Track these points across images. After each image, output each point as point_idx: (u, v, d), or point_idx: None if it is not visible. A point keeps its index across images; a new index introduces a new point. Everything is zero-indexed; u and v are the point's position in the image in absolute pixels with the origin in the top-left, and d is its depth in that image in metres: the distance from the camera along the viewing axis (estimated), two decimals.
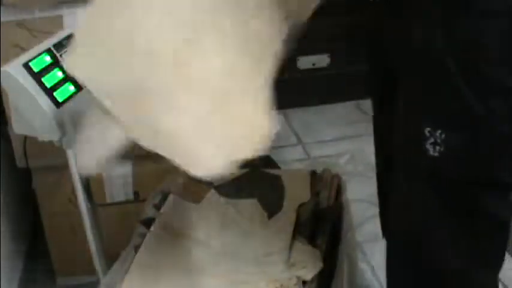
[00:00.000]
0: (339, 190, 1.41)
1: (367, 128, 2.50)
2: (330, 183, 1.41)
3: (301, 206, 1.31)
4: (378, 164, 1.36)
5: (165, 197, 1.36)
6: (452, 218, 1.01)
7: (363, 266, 1.77)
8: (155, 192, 1.39)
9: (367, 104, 2.61)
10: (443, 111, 0.94)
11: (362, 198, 1.92)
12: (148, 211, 1.34)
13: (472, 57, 0.90)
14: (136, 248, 1.23)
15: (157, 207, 1.34)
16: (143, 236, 1.26)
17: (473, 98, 0.91)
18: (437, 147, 0.94)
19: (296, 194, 1.35)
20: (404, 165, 1.03)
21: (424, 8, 0.93)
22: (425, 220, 1.03)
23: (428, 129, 0.94)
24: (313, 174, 1.44)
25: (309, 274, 1.12)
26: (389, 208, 1.14)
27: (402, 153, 1.02)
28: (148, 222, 1.30)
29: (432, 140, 0.94)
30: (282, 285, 1.10)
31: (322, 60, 2.58)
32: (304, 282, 1.11)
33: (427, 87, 0.95)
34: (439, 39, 0.91)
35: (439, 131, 0.93)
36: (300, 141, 2.42)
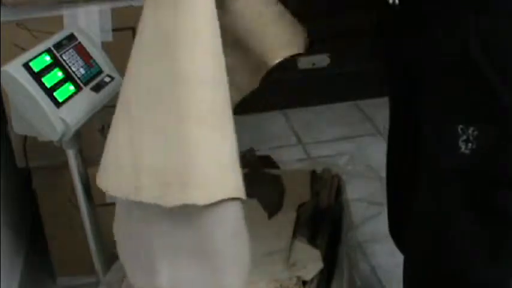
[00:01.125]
0: (339, 190, 1.41)
1: (367, 128, 2.51)
2: (330, 183, 1.41)
3: (301, 206, 1.31)
4: (389, 164, 1.35)
5: None
6: (475, 217, 1.02)
7: (363, 266, 1.77)
8: None
9: (367, 104, 2.62)
10: (476, 109, 0.95)
11: (362, 198, 1.92)
12: None
13: (504, 54, 0.91)
14: None
15: None
16: None
17: (505, 94, 0.92)
18: (469, 145, 0.95)
19: (296, 194, 1.35)
20: (431, 163, 1.03)
21: (452, 10, 0.93)
22: (448, 218, 1.04)
23: (461, 126, 0.95)
24: (313, 174, 1.44)
25: (309, 274, 1.12)
26: (403, 208, 1.14)
27: (430, 151, 1.02)
28: None
29: (465, 137, 0.95)
30: (281, 285, 1.10)
31: (322, 60, 2.58)
32: (304, 282, 1.11)
33: (459, 86, 0.95)
34: (472, 39, 0.91)
35: (472, 128, 0.94)
36: (300, 141, 2.42)
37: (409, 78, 1.05)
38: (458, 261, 1.06)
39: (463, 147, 0.95)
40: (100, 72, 1.26)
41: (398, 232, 1.36)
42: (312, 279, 1.12)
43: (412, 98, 1.04)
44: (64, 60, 1.21)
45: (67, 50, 1.22)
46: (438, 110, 0.99)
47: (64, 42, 1.23)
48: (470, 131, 0.94)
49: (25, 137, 1.48)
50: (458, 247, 1.05)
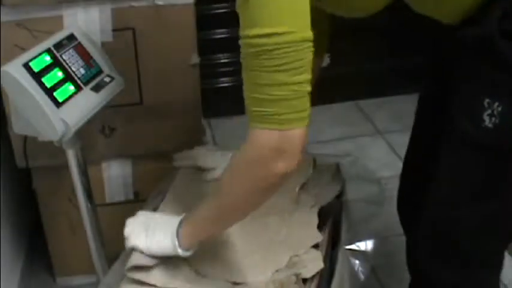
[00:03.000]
0: (339, 190, 1.41)
1: (367, 128, 2.51)
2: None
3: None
4: (413, 138, 1.38)
5: None
6: (487, 192, 1.05)
7: (362, 266, 1.77)
8: (152, 197, 1.37)
9: (367, 104, 2.62)
10: (504, 87, 0.98)
11: (362, 198, 1.92)
12: None
13: None
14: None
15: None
16: None
17: None
18: (493, 119, 0.98)
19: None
20: (455, 135, 1.06)
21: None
22: (460, 192, 1.08)
23: (487, 100, 0.98)
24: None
25: (309, 273, 1.12)
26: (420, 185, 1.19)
27: (455, 122, 1.05)
28: None
29: (489, 111, 0.98)
30: (281, 285, 1.10)
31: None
32: (304, 282, 1.11)
33: (490, 67, 0.99)
34: (497, 30, 0.95)
35: (497, 103, 0.97)
36: None
37: (445, 60, 1.11)
38: (466, 235, 1.10)
39: (487, 120, 0.98)
40: (100, 72, 1.27)
41: (405, 206, 1.41)
42: (312, 279, 1.12)
43: (445, 78, 1.09)
44: (64, 60, 1.21)
45: (67, 50, 1.22)
46: (468, 84, 1.02)
47: (64, 42, 1.23)
48: (495, 106, 0.97)
49: (25, 137, 1.48)
50: (464, 222, 1.08)
